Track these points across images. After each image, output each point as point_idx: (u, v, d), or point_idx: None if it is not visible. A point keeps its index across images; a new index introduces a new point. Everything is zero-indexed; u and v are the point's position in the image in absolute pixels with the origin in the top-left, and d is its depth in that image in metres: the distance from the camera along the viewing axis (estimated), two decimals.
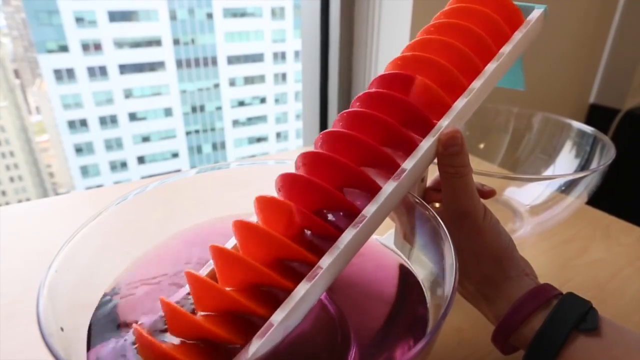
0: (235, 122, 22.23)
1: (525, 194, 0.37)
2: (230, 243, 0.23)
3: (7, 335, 0.31)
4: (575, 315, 0.21)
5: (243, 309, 0.18)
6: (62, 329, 0.18)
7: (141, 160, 20.92)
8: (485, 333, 0.31)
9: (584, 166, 0.39)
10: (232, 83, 21.26)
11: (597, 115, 1.00)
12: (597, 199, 0.38)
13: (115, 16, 19.19)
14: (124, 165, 20.77)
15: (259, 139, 22.93)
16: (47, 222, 0.45)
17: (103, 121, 19.62)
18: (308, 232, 0.21)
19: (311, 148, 0.23)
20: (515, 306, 0.23)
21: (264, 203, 0.21)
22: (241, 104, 21.83)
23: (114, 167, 20.65)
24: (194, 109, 21.32)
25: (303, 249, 0.20)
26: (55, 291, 0.19)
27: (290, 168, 0.23)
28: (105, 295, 0.23)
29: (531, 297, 0.23)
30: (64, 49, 18.92)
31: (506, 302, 0.24)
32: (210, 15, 20.30)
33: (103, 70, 19.14)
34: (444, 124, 0.23)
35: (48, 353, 0.16)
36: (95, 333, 0.21)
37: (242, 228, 0.20)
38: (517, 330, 0.23)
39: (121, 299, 0.23)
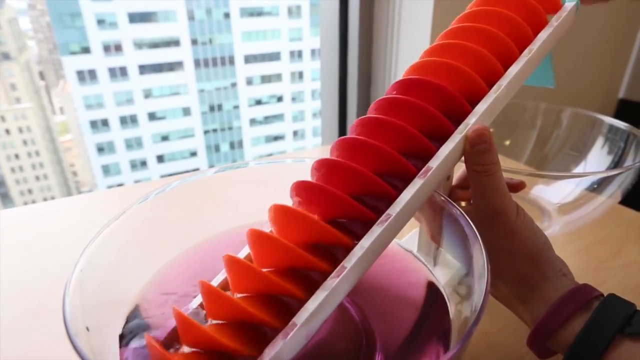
0: (253, 121, 22.40)
1: (554, 192, 0.35)
2: (243, 253, 0.23)
3: (34, 332, 0.31)
4: (620, 318, 0.20)
5: (253, 318, 0.18)
6: (87, 329, 0.18)
7: (160, 159, 21.30)
8: (515, 336, 0.30)
9: (617, 163, 0.37)
10: (250, 82, 21.43)
11: (626, 111, 0.97)
12: (631, 198, 0.36)
13: (135, 17, 19.57)
14: (143, 164, 21.19)
15: (276, 138, 23.05)
16: (71, 221, 0.46)
17: (123, 121, 20.06)
18: (322, 244, 0.20)
19: (328, 147, 0.22)
20: (553, 308, 0.22)
21: (279, 213, 0.20)
22: (258, 102, 21.99)
23: (134, 165, 21.09)
24: (211, 108, 21.58)
25: (317, 258, 0.19)
26: (80, 290, 0.19)
27: (308, 166, 0.22)
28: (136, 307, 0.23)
29: (571, 298, 0.22)
30: (86, 50, 19.40)
31: (543, 304, 0.22)
32: (227, 15, 20.49)
33: (123, 71, 19.55)
34: (471, 120, 0.22)
35: (74, 352, 0.16)
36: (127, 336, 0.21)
37: (257, 238, 0.19)
38: (555, 333, 0.22)
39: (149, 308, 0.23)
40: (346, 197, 0.20)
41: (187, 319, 0.17)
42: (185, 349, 0.18)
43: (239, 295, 0.19)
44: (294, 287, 0.18)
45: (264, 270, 0.19)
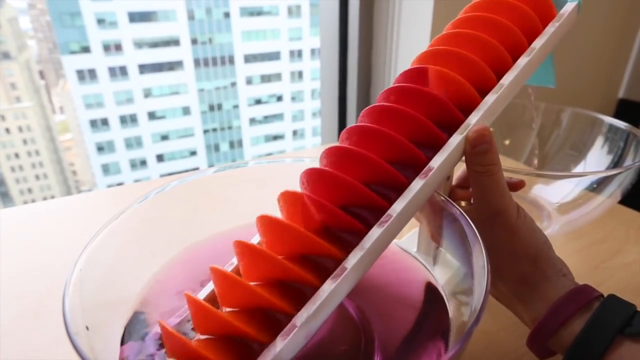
0: (252, 120, 22.38)
1: (554, 192, 0.35)
2: (255, 239, 0.23)
3: (33, 332, 0.31)
4: (620, 319, 0.20)
5: (267, 304, 0.18)
6: (87, 328, 0.18)
7: (160, 158, 21.28)
8: (514, 336, 0.30)
9: (617, 163, 0.37)
10: (249, 81, 21.41)
11: (626, 110, 0.97)
12: (631, 198, 0.36)
13: (135, 17, 19.53)
14: (143, 163, 21.17)
15: (276, 137, 23.03)
16: (71, 220, 0.46)
17: (123, 120, 20.04)
18: (332, 228, 0.20)
19: (331, 145, 0.22)
20: (553, 308, 0.22)
21: (287, 198, 0.20)
22: (258, 102, 21.97)
23: (134, 165, 21.07)
24: (211, 108, 21.55)
25: (328, 243, 0.19)
26: (80, 290, 0.19)
27: (308, 166, 0.22)
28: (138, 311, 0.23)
29: (571, 299, 0.22)
30: (86, 50, 19.38)
31: (543, 304, 0.22)
32: (227, 15, 20.46)
33: (123, 70, 19.52)
34: (472, 121, 0.22)
35: (74, 351, 0.16)
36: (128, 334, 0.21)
37: (266, 222, 0.20)
38: (555, 333, 0.22)
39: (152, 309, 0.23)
40: (358, 184, 0.20)
41: (203, 304, 0.17)
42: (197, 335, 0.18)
43: (252, 283, 0.19)
44: (309, 275, 0.18)
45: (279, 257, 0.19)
